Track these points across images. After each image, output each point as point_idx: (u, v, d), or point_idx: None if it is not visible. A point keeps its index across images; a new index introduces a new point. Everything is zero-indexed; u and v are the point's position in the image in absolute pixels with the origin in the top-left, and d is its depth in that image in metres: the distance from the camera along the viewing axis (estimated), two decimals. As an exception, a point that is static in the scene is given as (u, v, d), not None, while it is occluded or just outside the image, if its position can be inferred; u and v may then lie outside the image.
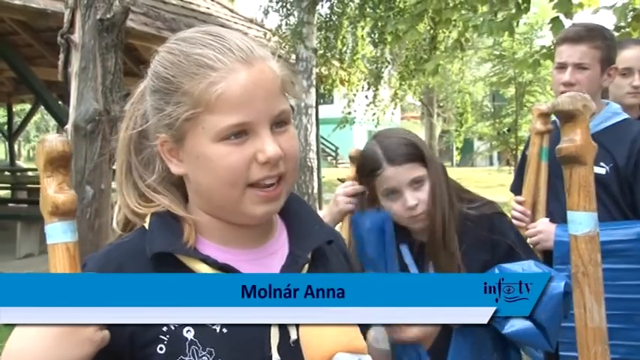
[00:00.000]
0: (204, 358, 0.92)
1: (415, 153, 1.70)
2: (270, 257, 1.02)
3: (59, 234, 0.91)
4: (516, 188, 2.59)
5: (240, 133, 0.92)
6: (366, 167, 1.73)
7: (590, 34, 2.26)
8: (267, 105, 0.93)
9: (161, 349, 0.91)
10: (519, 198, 2.28)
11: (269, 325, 0.94)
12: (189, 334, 0.92)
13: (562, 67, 2.28)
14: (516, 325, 1.61)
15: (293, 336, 0.95)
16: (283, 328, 0.95)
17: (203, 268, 0.94)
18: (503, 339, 1.74)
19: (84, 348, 0.85)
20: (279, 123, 0.95)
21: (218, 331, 0.93)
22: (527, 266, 1.71)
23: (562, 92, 2.27)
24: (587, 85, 2.22)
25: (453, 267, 1.67)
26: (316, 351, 0.82)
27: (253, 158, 0.92)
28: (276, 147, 0.92)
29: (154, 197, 1.00)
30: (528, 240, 2.25)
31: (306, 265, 1.02)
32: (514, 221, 2.26)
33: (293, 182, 1.00)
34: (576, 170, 0.98)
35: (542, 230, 2.24)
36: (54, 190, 0.91)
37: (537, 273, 1.63)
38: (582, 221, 0.97)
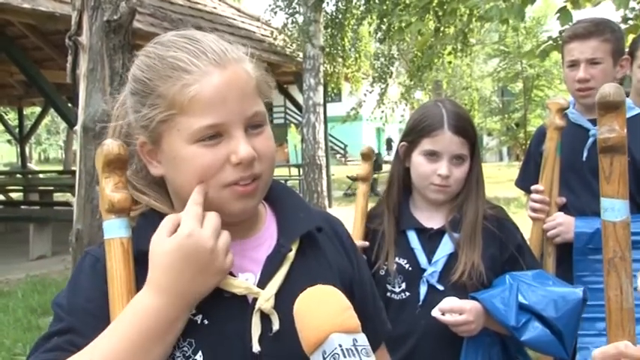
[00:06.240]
0: (184, 348, 0.93)
1: (472, 133, 1.78)
2: (257, 248, 1.04)
3: (115, 229, 0.97)
4: (524, 183, 2.57)
5: (215, 134, 0.93)
6: (423, 123, 1.77)
7: (598, 28, 2.25)
8: (240, 107, 0.93)
9: None
10: (538, 187, 2.26)
11: (250, 317, 0.96)
12: None
13: (574, 64, 2.27)
14: (533, 332, 1.61)
15: (275, 327, 0.96)
16: (265, 319, 0.96)
17: None
18: (512, 348, 1.76)
19: (218, 278, 0.93)
20: (254, 125, 0.97)
21: (199, 322, 0.95)
22: (537, 275, 1.72)
23: (578, 89, 2.27)
24: (602, 79, 2.21)
25: (475, 256, 1.69)
26: (311, 332, 0.83)
27: (227, 159, 0.93)
28: (249, 148, 0.93)
29: (139, 197, 1.02)
30: (547, 233, 2.24)
31: (292, 254, 1.02)
32: (532, 213, 2.25)
33: (269, 180, 1.01)
34: (617, 159, 1.02)
35: (562, 222, 2.23)
36: (111, 190, 0.97)
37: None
38: (621, 208, 1.02)
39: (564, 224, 2.23)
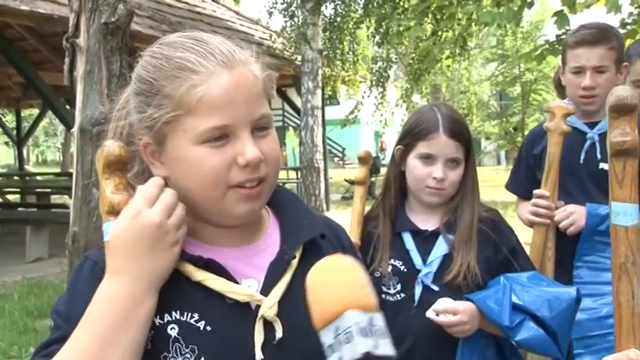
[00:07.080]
0: (187, 355, 0.92)
1: (467, 137, 1.79)
2: (260, 255, 1.02)
3: None
4: (515, 186, 2.56)
5: (221, 136, 0.92)
6: (419, 126, 1.79)
7: (605, 35, 2.24)
8: (247, 108, 0.93)
9: (146, 345, 0.92)
10: (542, 192, 2.23)
11: (253, 324, 0.95)
12: (173, 331, 0.93)
13: (580, 71, 2.26)
14: (528, 332, 1.61)
15: (278, 335, 0.95)
16: (268, 327, 0.95)
17: (187, 267, 0.95)
18: (507, 351, 1.75)
19: (173, 250, 0.92)
20: (260, 127, 0.95)
21: (202, 328, 0.93)
22: (532, 277, 1.72)
23: (582, 96, 2.26)
24: (607, 87, 2.21)
25: (470, 258, 1.69)
26: (326, 305, 0.79)
27: (233, 161, 0.93)
28: (256, 150, 0.93)
29: None
30: (561, 225, 2.22)
31: (295, 261, 1.01)
32: (536, 218, 2.23)
33: (274, 184, 1.00)
34: (630, 163, 1.01)
35: (574, 211, 2.21)
36: (111, 191, 0.97)
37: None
38: (633, 213, 1.01)
39: (577, 212, 2.21)
